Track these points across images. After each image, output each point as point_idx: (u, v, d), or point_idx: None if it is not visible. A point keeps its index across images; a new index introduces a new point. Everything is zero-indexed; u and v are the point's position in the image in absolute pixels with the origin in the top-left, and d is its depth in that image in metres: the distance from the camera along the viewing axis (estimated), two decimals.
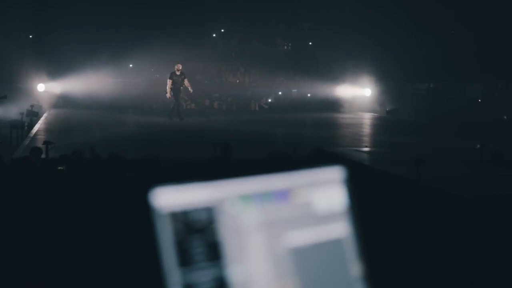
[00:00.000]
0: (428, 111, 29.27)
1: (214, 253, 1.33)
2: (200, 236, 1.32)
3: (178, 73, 24.63)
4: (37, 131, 20.60)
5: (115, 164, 11.10)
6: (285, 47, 37.37)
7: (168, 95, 24.62)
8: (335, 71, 33.19)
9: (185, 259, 1.30)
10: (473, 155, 16.56)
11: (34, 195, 8.39)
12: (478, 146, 17.18)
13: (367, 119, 28.40)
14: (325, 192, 1.49)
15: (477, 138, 19.36)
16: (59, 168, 10.60)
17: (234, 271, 1.34)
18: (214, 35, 36.31)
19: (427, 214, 9.89)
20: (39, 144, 15.08)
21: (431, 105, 31.69)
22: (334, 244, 1.48)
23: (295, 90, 33.74)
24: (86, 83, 30.68)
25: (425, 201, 10.48)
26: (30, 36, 33.81)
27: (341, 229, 1.49)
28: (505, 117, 29.37)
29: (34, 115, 22.93)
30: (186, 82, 24.56)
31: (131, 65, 34.53)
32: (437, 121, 27.25)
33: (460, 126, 25.46)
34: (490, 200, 10.72)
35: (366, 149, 17.70)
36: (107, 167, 10.44)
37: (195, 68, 33.87)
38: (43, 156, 13.29)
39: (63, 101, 29.88)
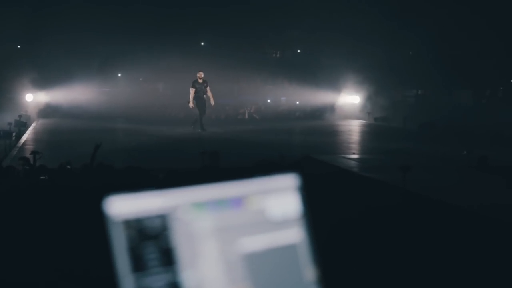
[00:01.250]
0: (417, 117, 29.37)
1: (167, 258, 1.38)
2: (153, 242, 1.37)
3: (200, 81, 23.80)
4: (25, 141, 20.58)
5: (101, 174, 11.13)
6: (274, 55, 37.47)
7: (191, 104, 23.73)
8: (324, 78, 33.27)
9: (138, 265, 1.34)
10: (460, 161, 16.65)
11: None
12: (465, 152, 17.29)
13: (355, 126, 28.48)
14: (279, 199, 1.53)
15: (464, 144, 19.48)
16: (42, 177, 10.61)
17: (188, 276, 1.39)
18: (202, 43, 36.36)
19: (411, 220, 9.95)
20: (27, 154, 15.10)
21: (420, 112, 31.80)
22: (287, 250, 1.52)
23: (283, 98, 33.82)
24: (74, 93, 30.71)
25: (410, 207, 10.53)
26: (18, 46, 33.81)
27: (295, 235, 1.53)
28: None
29: (22, 125, 22.94)
30: (208, 91, 23.76)
31: (119, 75, 34.55)
32: (425, 127, 27.35)
33: (448, 132, 25.56)
34: (474, 206, 10.77)
35: (354, 156, 17.76)
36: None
37: (183, 77, 33.91)
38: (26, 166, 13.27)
39: (51, 111, 29.87)
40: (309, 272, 1.53)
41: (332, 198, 11.71)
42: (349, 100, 33.20)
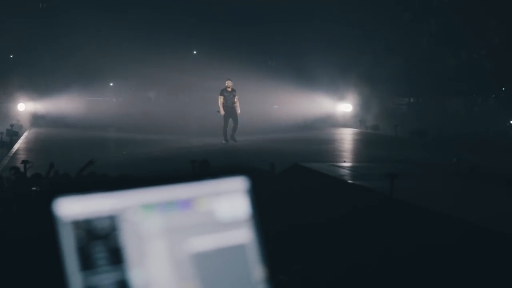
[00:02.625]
0: (408, 125, 29.46)
1: (116, 258, 1.43)
2: (102, 242, 1.42)
3: (229, 89, 23.43)
4: (17, 150, 20.62)
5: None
6: (269, 63, 37.51)
7: (222, 112, 23.32)
8: (317, 87, 33.35)
9: (87, 264, 1.40)
10: (450, 169, 16.72)
11: None
12: (455, 160, 17.37)
13: (347, 134, 28.55)
14: (228, 201, 1.59)
15: (454, 152, 19.56)
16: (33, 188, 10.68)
17: (136, 274, 1.45)
18: (195, 52, 36.43)
19: (397, 227, 10.01)
20: (18, 163, 15.15)
21: (411, 120, 31.90)
22: (236, 250, 1.58)
23: (276, 107, 33.87)
24: (67, 102, 30.74)
25: (396, 215, 10.59)
26: (11, 56, 33.85)
27: (243, 236, 1.59)
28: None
29: (14, 135, 22.98)
30: (236, 100, 23.40)
31: (111, 84, 34.60)
32: (416, 135, 27.44)
33: (439, 140, 25.65)
34: (463, 214, 10.82)
35: (344, 164, 17.83)
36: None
37: (176, 86, 33.97)
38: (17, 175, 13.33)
39: (43, 120, 29.90)
40: (257, 272, 1.59)
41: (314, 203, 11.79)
42: (341, 108, 33.30)
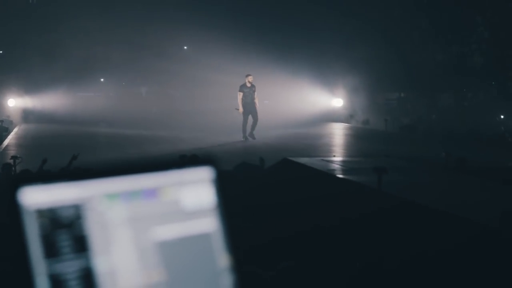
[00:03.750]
0: (398, 120, 29.53)
1: (80, 246, 1.46)
2: (66, 230, 1.45)
3: (249, 85, 22.83)
4: (7, 146, 20.61)
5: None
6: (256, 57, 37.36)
7: (240, 109, 22.83)
8: (308, 81, 33.35)
9: (51, 252, 1.43)
10: (438, 163, 16.79)
11: None
12: (444, 154, 17.43)
13: (337, 129, 28.59)
14: (193, 190, 1.62)
15: (444, 146, 19.62)
16: None
17: (100, 262, 1.48)
18: (185, 47, 36.39)
19: (386, 221, 10.06)
20: (8, 159, 15.16)
21: (401, 115, 31.96)
22: (201, 238, 1.61)
23: (266, 102, 33.83)
24: (57, 98, 30.70)
25: (384, 208, 10.64)
26: (0, 52, 33.79)
27: (208, 224, 1.62)
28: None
29: (4, 130, 22.97)
30: (256, 96, 22.86)
31: (102, 80, 34.57)
32: (406, 130, 27.51)
33: (428, 134, 25.73)
34: (451, 208, 10.88)
35: (333, 158, 17.88)
36: None
37: (167, 81, 33.94)
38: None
39: (34, 116, 29.86)
40: (222, 260, 1.62)
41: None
42: (332, 103, 33.33)
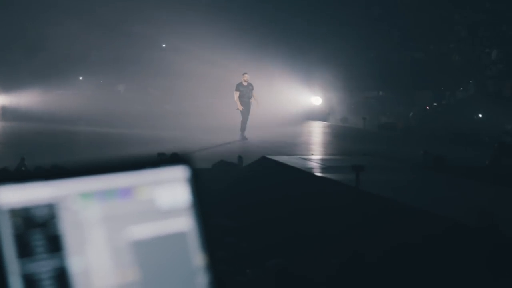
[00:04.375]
0: (377, 119, 29.61)
1: (54, 245, 1.45)
2: (40, 230, 1.44)
3: (245, 84, 22.63)
4: None
5: None
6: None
7: (240, 107, 22.60)
8: (286, 80, 33.32)
9: (24, 252, 1.42)
10: (417, 161, 16.86)
11: None
12: (422, 152, 17.52)
13: (316, 127, 28.62)
14: (168, 190, 1.62)
15: (422, 144, 19.70)
16: None
17: (74, 262, 1.47)
18: (164, 45, 36.29)
19: (364, 218, 10.10)
20: None
21: (380, 113, 32.05)
22: (176, 237, 1.61)
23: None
24: (35, 96, 30.51)
25: (362, 206, 10.68)
26: None
27: (184, 223, 1.62)
28: None
29: None
30: (254, 95, 22.66)
31: (80, 78, 34.43)
32: (384, 128, 27.59)
33: (407, 133, 25.82)
34: (429, 206, 10.93)
35: (312, 156, 17.91)
36: None
37: (145, 80, 33.84)
38: None
39: (11, 114, 29.66)
40: (197, 259, 1.62)
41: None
42: (311, 101, 33.31)
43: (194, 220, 1.64)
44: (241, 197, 12.32)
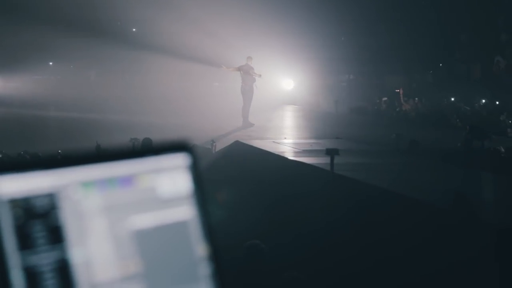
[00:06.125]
0: (348, 102, 29.68)
1: (55, 236, 1.41)
2: (41, 221, 1.40)
3: (246, 67, 22.02)
4: None
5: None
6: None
7: (225, 67, 22.31)
8: (258, 63, 33.16)
9: (25, 243, 1.37)
10: (389, 144, 16.91)
11: None
12: (394, 135, 17.57)
13: (288, 111, 28.60)
14: (170, 177, 1.58)
15: (393, 128, 19.78)
16: None
17: (76, 253, 1.42)
18: (134, 29, 36.05)
19: (337, 201, 10.11)
20: None
21: (351, 96, 32.13)
22: (178, 226, 1.57)
23: (216, 84, 33.71)
24: (4, 81, 30.23)
25: (337, 189, 10.69)
26: None
27: (185, 212, 1.58)
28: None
29: None
30: (255, 74, 21.93)
31: (51, 63, 34.16)
32: (355, 112, 27.67)
33: (378, 116, 25.90)
34: (404, 189, 10.97)
35: (285, 140, 17.90)
36: None
37: (119, 67, 33.61)
38: None
39: None
40: (199, 248, 1.58)
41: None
42: (283, 85, 33.22)
43: (195, 209, 1.60)
44: (212, 180, 12.27)
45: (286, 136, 19.66)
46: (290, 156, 14.26)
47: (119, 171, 1.52)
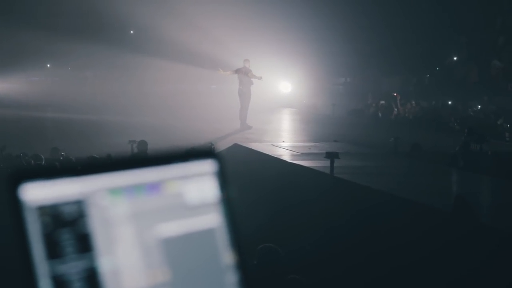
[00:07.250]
0: (345, 105, 29.68)
1: (83, 245, 1.38)
2: (69, 229, 1.37)
3: (244, 70, 21.97)
4: None
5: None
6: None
7: (221, 71, 22.12)
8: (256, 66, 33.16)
9: (54, 252, 1.34)
10: (387, 147, 16.91)
11: None
12: (392, 139, 17.58)
13: (286, 114, 28.62)
14: (197, 184, 1.55)
15: (392, 131, 19.77)
16: None
17: (104, 261, 1.39)
18: (131, 31, 36.05)
19: (339, 206, 10.08)
20: None
21: (348, 99, 32.14)
22: (205, 234, 1.54)
23: (214, 87, 33.70)
24: (1, 82, 30.23)
25: (338, 193, 10.67)
26: None
27: (213, 220, 1.55)
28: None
29: None
30: (253, 75, 21.86)
31: (48, 65, 34.16)
32: (353, 114, 27.67)
33: (375, 119, 25.90)
34: (405, 192, 10.96)
35: (283, 143, 17.88)
36: None
37: (113, 67, 33.58)
38: None
39: None
40: (227, 257, 1.55)
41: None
42: (280, 88, 33.24)
43: (222, 216, 1.58)
44: None
45: (284, 139, 19.64)
46: (289, 159, 14.24)
47: (147, 177, 1.50)
